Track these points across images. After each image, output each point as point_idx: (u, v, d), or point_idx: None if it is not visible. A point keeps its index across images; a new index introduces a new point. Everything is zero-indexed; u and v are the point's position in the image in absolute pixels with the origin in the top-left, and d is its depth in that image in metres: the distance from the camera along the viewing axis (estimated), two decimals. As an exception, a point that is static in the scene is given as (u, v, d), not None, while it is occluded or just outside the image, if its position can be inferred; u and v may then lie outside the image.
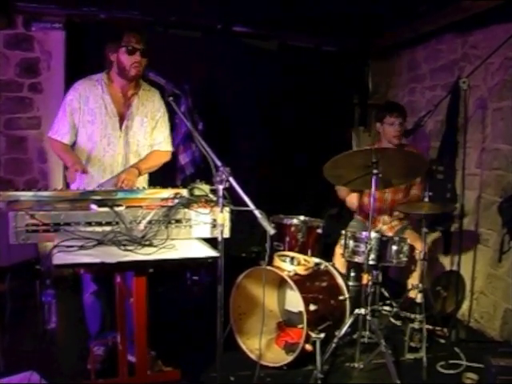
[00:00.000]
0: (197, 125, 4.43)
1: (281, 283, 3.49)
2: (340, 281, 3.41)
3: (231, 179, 2.10)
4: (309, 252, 3.52)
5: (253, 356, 3.18)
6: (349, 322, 3.16)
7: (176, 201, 2.29)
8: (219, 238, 2.13)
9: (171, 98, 2.46)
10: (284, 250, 3.47)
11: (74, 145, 2.94)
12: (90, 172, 2.86)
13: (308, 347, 2.99)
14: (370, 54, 5.43)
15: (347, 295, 3.35)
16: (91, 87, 2.86)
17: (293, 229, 3.54)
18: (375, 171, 3.01)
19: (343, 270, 3.63)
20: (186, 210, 2.27)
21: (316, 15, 4.35)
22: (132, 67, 2.77)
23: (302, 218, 3.65)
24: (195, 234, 2.28)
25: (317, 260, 3.47)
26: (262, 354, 3.00)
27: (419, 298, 3.27)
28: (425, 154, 4.20)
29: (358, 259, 3.37)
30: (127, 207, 2.22)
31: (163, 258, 2.07)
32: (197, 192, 2.41)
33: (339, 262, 3.64)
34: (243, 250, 4.94)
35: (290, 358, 3.05)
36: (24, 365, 2.74)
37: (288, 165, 5.14)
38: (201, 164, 4.41)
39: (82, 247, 2.04)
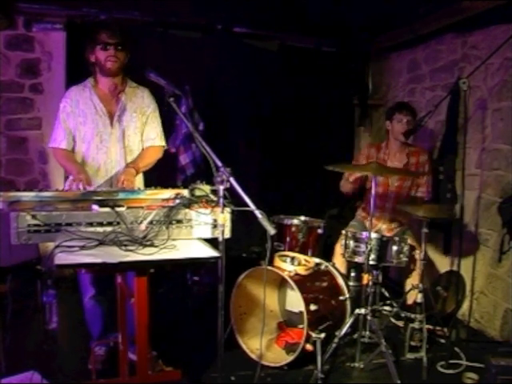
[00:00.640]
0: (197, 125, 4.44)
1: (281, 283, 3.50)
2: (340, 281, 3.42)
3: (232, 179, 2.11)
4: (309, 252, 3.53)
5: (253, 356, 3.18)
6: (349, 321, 3.17)
7: (177, 201, 2.30)
8: (220, 239, 2.14)
9: (172, 99, 2.47)
10: (284, 250, 3.47)
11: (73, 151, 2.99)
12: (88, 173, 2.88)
13: (308, 347, 2.99)
14: (371, 54, 5.43)
15: (348, 295, 3.36)
16: (80, 91, 2.96)
17: (293, 229, 3.54)
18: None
19: (343, 269, 3.64)
20: (187, 210, 2.27)
21: (316, 16, 4.36)
22: (107, 60, 2.86)
23: (302, 218, 3.66)
24: (196, 234, 2.29)
25: (317, 260, 3.48)
26: (262, 353, 3.00)
27: (419, 298, 3.27)
28: (429, 151, 4.20)
29: (359, 259, 3.38)
30: (128, 208, 2.22)
31: (164, 258, 2.08)
32: (198, 192, 2.41)
33: (339, 260, 3.65)
34: (244, 250, 4.95)
35: (290, 358, 3.06)
36: (25, 365, 2.76)
37: (288, 165, 5.14)
38: (201, 164, 4.41)
39: (83, 247, 2.04)
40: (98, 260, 1.97)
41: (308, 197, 5.15)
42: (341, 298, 3.34)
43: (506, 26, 3.66)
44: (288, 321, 3.49)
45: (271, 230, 2.04)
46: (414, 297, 3.37)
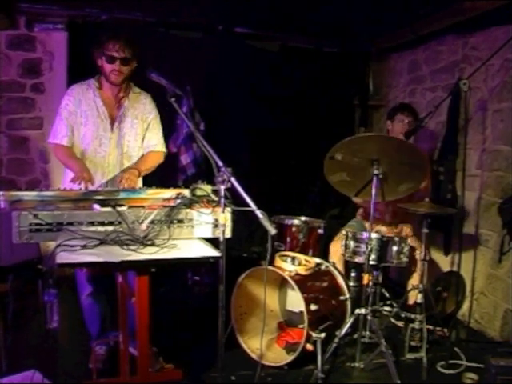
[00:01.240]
0: (198, 125, 4.45)
1: (282, 283, 3.50)
2: (341, 281, 3.42)
3: (233, 179, 2.12)
4: (310, 252, 3.53)
5: (254, 356, 3.19)
6: (349, 321, 3.17)
7: (178, 201, 2.31)
8: (221, 238, 2.15)
9: (173, 99, 2.47)
10: (285, 250, 3.48)
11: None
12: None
13: (309, 347, 3.00)
14: (371, 55, 5.44)
15: (348, 295, 3.37)
16: (83, 91, 2.94)
17: (294, 229, 3.55)
18: (376, 172, 3.03)
19: (340, 266, 3.65)
20: (188, 210, 2.28)
21: (317, 16, 4.36)
22: (111, 74, 2.85)
23: (303, 218, 3.66)
24: (197, 233, 2.30)
25: (318, 260, 3.48)
26: (263, 353, 3.01)
27: (419, 299, 3.28)
28: (428, 155, 4.20)
29: (359, 259, 3.38)
30: (129, 207, 2.23)
31: (165, 257, 2.08)
32: (199, 192, 2.42)
33: (336, 257, 3.66)
34: (244, 250, 4.95)
35: (290, 358, 3.06)
36: (26, 364, 2.76)
37: (289, 165, 5.15)
38: (202, 164, 4.42)
39: (84, 247, 2.05)
40: (100, 259, 1.98)
41: (309, 197, 5.15)
42: (341, 298, 3.35)
43: (507, 28, 3.67)
44: (288, 321, 3.50)
45: (272, 230, 2.04)
46: (414, 297, 3.38)
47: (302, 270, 3.24)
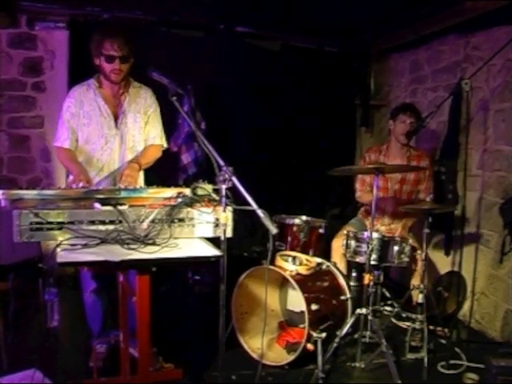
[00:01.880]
0: (199, 124, 4.45)
1: (283, 283, 3.50)
2: (342, 281, 3.42)
3: (234, 179, 2.11)
4: (311, 252, 3.53)
5: (254, 355, 3.19)
6: (350, 321, 3.17)
7: (179, 200, 2.30)
8: (222, 238, 2.14)
9: (174, 98, 2.47)
10: (286, 250, 3.48)
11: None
12: (90, 174, 2.90)
13: (309, 347, 3.00)
14: (373, 55, 5.43)
15: (349, 295, 3.36)
16: (84, 92, 2.96)
17: (295, 229, 3.54)
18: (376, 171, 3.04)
19: (342, 264, 3.64)
20: (189, 209, 2.27)
21: (318, 16, 4.36)
22: (111, 73, 2.87)
23: (304, 217, 3.66)
24: (198, 233, 2.29)
25: (319, 260, 3.48)
26: (263, 353, 3.01)
27: (420, 299, 3.28)
28: (431, 155, 4.19)
29: (360, 259, 3.38)
30: (130, 206, 2.23)
31: (166, 256, 2.08)
32: (200, 191, 2.41)
33: (338, 253, 3.65)
34: (245, 249, 4.95)
35: (291, 358, 3.06)
36: (27, 363, 2.75)
37: (290, 165, 5.14)
38: (203, 163, 4.42)
39: (85, 246, 2.05)
40: (100, 258, 1.97)
41: (310, 196, 5.15)
42: (342, 297, 3.35)
43: (509, 28, 3.67)
44: (289, 320, 3.50)
45: (273, 230, 2.04)
46: (416, 297, 3.37)
47: (302, 270, 3.24)
